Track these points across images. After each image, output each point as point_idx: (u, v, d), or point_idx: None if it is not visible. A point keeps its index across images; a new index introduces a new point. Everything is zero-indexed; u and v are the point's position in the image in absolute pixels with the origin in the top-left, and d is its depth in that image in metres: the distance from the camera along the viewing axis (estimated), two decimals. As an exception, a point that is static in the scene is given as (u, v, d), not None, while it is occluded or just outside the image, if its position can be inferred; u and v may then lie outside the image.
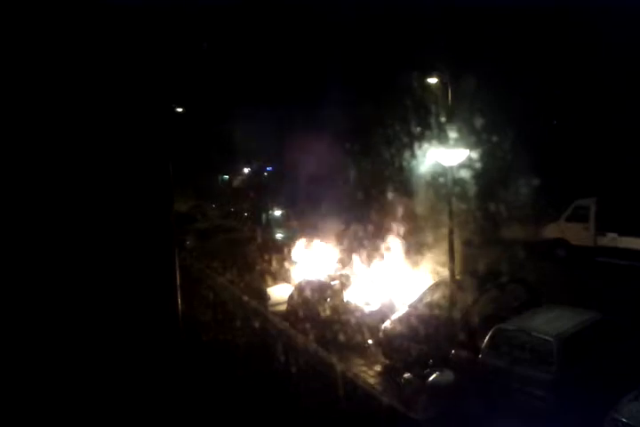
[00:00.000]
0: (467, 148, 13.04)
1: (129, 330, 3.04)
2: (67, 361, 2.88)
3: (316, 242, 19.99)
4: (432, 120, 19.07)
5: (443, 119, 16.47)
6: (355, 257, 17.93)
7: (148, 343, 3.12)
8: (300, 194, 29.21)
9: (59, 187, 2.77)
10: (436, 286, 14.06)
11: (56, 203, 2.77)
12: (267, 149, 38.22)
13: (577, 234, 20.29)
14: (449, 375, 10.42)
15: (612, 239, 19.26)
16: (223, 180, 45.27)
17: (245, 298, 14.76)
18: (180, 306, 3.44)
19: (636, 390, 8.87)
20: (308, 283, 16.03)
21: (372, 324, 13.94)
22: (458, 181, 16.39)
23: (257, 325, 13.18)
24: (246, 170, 43.27)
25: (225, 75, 34.30)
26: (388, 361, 12.93)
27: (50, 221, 2.78)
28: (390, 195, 22.39)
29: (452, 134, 13.81)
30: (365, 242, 18.61)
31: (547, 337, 10.25)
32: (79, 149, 2.76)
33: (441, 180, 15.53)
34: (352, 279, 16.11)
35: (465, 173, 17.46)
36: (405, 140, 23.70)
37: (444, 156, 12.91)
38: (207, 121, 38.08)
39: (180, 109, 33.83)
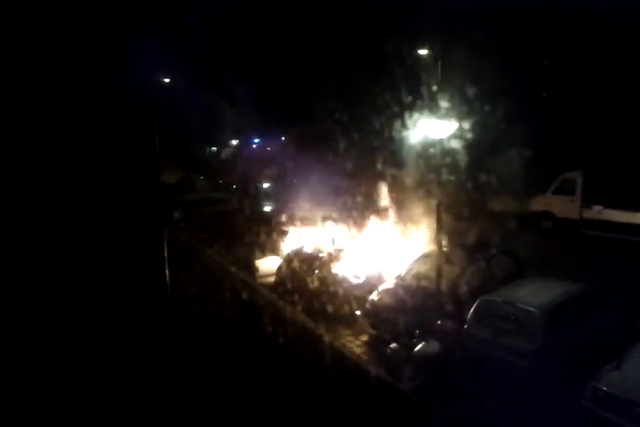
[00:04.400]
0: (457, 118, 13.00)
1: (116, 303, 3.03)
2: (52, 334, 2.87)
3: (305, 213, 19.96)
4: (423, 90, 18.93)
5: (434, 88, 16.32)
6: (343, 228, 17.96)
7: (136, 316, 3.12)
8: (290, 166, 29.04)
9: (40, 161, 2.71)
10: (424, 257, 14.15)
11: (38, 177, 2.72)
12: (256, 121, 37.87)
13: (563, 207, 20.46)
14: (435, 346, 10.57)
15: (597, 212, 19.44)
16: (212, 152, 44.88)
17: (233, 270, 14.78)
18: (167, 278, 3.43)
19: (617, 360, 9.05)
20: (297, 254, 16.07)
21: (359, 295, 14.07)
22: (448, 152, 16.35)
23: (245, 296, 13.23)
24: (235, 142, 42.91)
25: (214, 44, 33.68)
26: (374, 332, 13.08)
27: (33, 196, 2.74)
28: (380, 165, 22.31)
29: (443, 104, 13.70)
30: (354, 213, 18.62)
31: (530, 308, 10.38)
32: (58, 119, 2.69)
33: (431, 150, 15.48)
34: (340, 251, 16.17)
35: (455, 144, 17.39)
36: (396, 109, 23.51)
37: (433, 128, 12.87)
38: (196, 92, 37.55)
39: (167, 80, 33.29)
